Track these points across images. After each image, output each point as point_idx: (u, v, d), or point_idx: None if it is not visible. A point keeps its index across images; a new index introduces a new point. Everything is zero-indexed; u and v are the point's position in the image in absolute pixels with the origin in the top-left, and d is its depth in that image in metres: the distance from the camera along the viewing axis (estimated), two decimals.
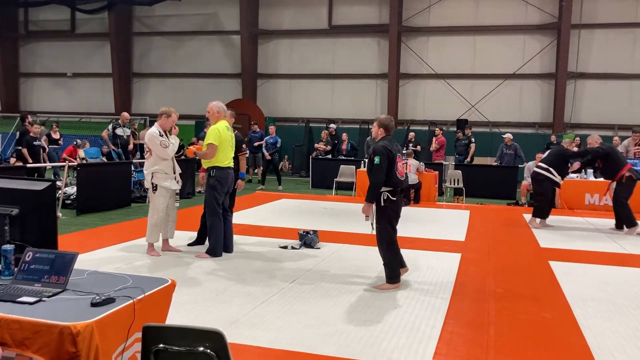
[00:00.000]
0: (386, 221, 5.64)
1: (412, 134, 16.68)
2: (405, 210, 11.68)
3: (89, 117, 24.43)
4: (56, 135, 14.63)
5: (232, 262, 6.64)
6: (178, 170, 6.90)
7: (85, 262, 6.02)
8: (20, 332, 2.41)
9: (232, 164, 6.90)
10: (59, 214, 9.48)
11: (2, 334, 2.42)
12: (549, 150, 10.09)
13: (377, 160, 5.49)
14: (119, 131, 13.92)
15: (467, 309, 5.16)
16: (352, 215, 10.66)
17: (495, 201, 13.64)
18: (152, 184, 6.63)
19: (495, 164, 15.52)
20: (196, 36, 24.23)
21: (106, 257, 6.72)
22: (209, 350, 2.17)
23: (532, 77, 21.02)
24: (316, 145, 17.15)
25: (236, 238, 7.56)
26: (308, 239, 7.59)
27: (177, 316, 4.54)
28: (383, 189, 5.57)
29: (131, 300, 2.66)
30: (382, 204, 5.58)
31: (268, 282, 5.81)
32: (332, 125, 18.12)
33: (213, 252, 6.82)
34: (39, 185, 3.00)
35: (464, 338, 4.41)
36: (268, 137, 15.72)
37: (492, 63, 21.21)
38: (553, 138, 16.90)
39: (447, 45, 21.65)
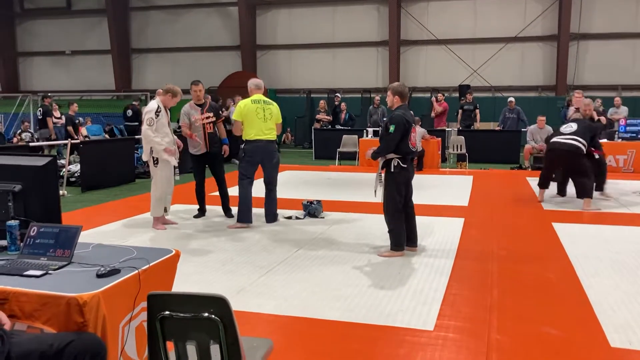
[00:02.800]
0: (394, 188, 5.62)
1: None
2: None
3: (90, 94, 24.37)
4: (57, 114, 14.61)
5: (237, 234, 6.69)
6: (176, 145, 6.93)
7: (91, 236, 6.11)
8: (29, 305, 2.45)
9: (263, 136, 6.89)
10: (64, 192, 9.56)
11: (11, 306, 2.47)
12: (575, 122, 8.57)
13: (392, 128, 5.43)
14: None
15: (471, 271, 5.22)
16: (355, 185, 10.69)
17: (499, 166, 13.63)
18: (153, 157, 6.65)
19: (498, 128, 15.45)
20: (193, 9, 23.99)
21: (111, 231, 6.80)
22: (213, 316, 2.20)
23: (534, 39, 20.78)
24: (318, 116, 17.06)
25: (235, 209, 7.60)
26: (312, 209, 7.63)
27: (183, 286, 4.59)
28: (393, 155, 5.54)
29: (136, 271, 2.70)
30: (392, 170, 5.56)
31: (273, 252, 5.87)
32: (338, 94, 17.97)
33: (241, 220, 6.97)
34: (40, 161, 3.02)
35: (467, 300, 4.46)
36: None
37: (493, 27, 20.96)
38: (575, 99, 14.59)
39: (447, 10, 21.37)
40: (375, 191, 5.80)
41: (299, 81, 23.13)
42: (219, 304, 2.21)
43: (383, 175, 5.67)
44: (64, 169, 10.19)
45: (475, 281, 4.92)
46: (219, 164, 7.55)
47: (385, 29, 21.79)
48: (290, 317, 4.12)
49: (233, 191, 7.45)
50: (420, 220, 7.33)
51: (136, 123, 14.93)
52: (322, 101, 17.32)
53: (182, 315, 2.24)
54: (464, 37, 21.29)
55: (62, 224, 2.97)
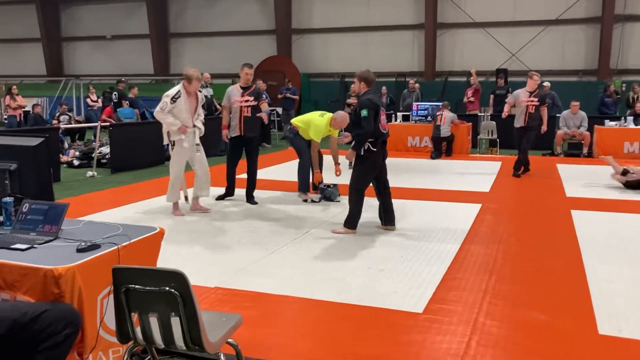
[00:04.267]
0: (363, 171, 5.87)
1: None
2: (436, 163, 11.68)
3: (129, 78, 24.90)
4: (93, 97, 15.04)
5: (250, 216, 6.82)
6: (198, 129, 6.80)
7: (110, 217, 6.34)
8: (11, 276, 2.62)
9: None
10: (94, 173, 9.89)
11: None
12: None
13: (364, 112, 5.65)
14: (203, 92, 14.05)
15: (474, 256, 5.20)
16: None
17: (532, 152, 13.24)
18: (171, 140, 6.74)
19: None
20: None
21: (131, 213, 7.00)
22: (173, 290, 2.31)
23: (576, 22, 20.09)
24: (348, 101, 17.02)
25: (259, 192, 7.74)
26: (328, 193, 7.69)
27: (185, 264, 4.73)
28: None
29: (116, 247, 2.83)
30: (362, 154, 5.78)
31: (282, 233, 5.97)
32: None
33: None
34: (34, 141, 3.18)
35: (464, 284, 4.47)
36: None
37: (533, 9, 20.34)
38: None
39: None
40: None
41: (333, 65, 23.05)
42: (178, 279, 2.32)
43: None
44: (95, 151, 10.53)
45: (476, 266, 4.91)
46: (253, 150, 7.54)
47: (422, 12, 21.47)
48: (285, 296, 4.22)
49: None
50: (436, 206, 7.38)
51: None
52: (353, 85, 17.24)
53: (144, 288, 2.35)
54: (503, 19, 20.76)
55: (52, 202, 3.13)
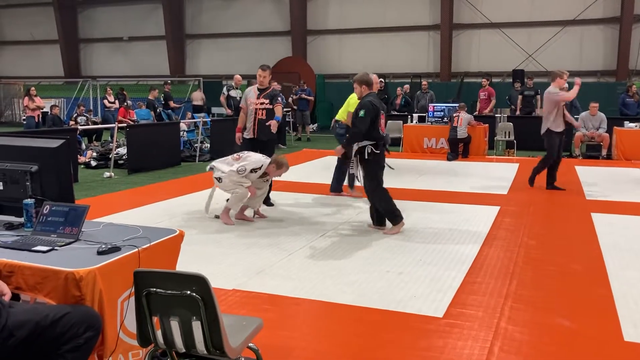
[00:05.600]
0: (372, 173, 5.98)
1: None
2: (453, 165, 11.59)
3: (146, 79, 25.06)
4: (111, 99, 15.14)
5: (268, 218, 6.79)
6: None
7: (128, 218, 6.36)
8: (32, 278, 2.61)
9: None
10: (112, 174, 9.95)
11: (17, 279, 2.64)
12: None
13: (362, 113, 5.74)
14: (232, 93, 14.03)
15: (494, 260, 5.13)
16: (395, 171, 10.60)
17: None
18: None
19: None
20: None
21: (149, 214, 7.02)
22: (195, 294, 2.29)
23: (595, 22, 19.87)
24: None
25: (276, 194, 7.72)
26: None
27: (204, 265, 4.77)
28: (366, 142, 5.84)
29: (136, 249, 2.82)
30: (366, 157, 5.86)
31: (299, 235, 5.95)
32: (382, 80, 17.90)
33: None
34: (54, 143, 3.18)
35: (485, 288, 4.41)
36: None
37: (550, 9, 20.15)
38: None
39: None
40: (357, 177, 6.22)
41: (348, 66, 23.00)
42: (199, 282, 2.30)
43: (357, 161, 6.03)
44: (112, 152, 10.59)
45: (496, 270, 4.85)
46: (268, 152, 7.21)
47: (437, 13, 21.36)
48: (302, 299, 4.19)
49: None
50: (454, 208, 7.31)
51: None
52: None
53: (165, 292, 2.34)
54: (520, 20, 20.59)
55: (72, 204, 3.13)
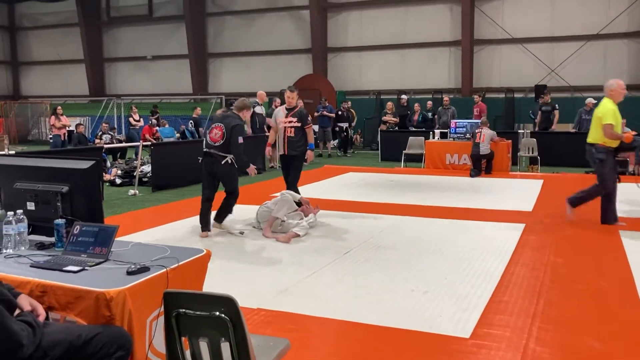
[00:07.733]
0: None
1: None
2: (475, 181, 11.51)
3: (169, 98, 25.44)
4: (136, 117, 15.38)
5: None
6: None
7: (153, 236, 6.42)
8: (64, 297, 2.65)
9: None
10: (136, 191, 10.07)
11: (49, 299, 2.68)
12: None
13: None
14: (257, 109, 14.17)
15: (521, 278, 5.07)
16: (417, 187, 10.59)
17: (573, 169, 13.04)
18: None
19: (573, 130, 14.78)
20: (266, 13, 24.51)
21: (174, 232, 7.08)
22: (223, 315, 2.31)
23: (619, 36, 19.68)
24: (384, 118, 17.04)
25: None
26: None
27: (228, 283, 4.78)
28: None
29: (164, 269, 2.85)
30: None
31: (323, 253, 5.94)
32: (404, 97, 17.94)
33: None
34: (85, 164, 3.24)
35: (511, 307, 4.35)
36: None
37: (573, 24, 20.04)
38: None
39: (523, 7, 20.66)
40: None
41: (369, 82, 23.10)
42: (228, 303, 2.31)
43: None
44: (137, 170, 10.73)
45: (523, 288, 4.78)
46: (294, 168, 7.72)
47: (458, 29, 21.37)
48: (329, 318, 4.18)
49: None
50: (478, 225, 7.26)
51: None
52: (389, 103, 17.31)
53: (194, 313, 2.36)
54: (541, 35, 20.51)
55: (102, 224, 3.17)
